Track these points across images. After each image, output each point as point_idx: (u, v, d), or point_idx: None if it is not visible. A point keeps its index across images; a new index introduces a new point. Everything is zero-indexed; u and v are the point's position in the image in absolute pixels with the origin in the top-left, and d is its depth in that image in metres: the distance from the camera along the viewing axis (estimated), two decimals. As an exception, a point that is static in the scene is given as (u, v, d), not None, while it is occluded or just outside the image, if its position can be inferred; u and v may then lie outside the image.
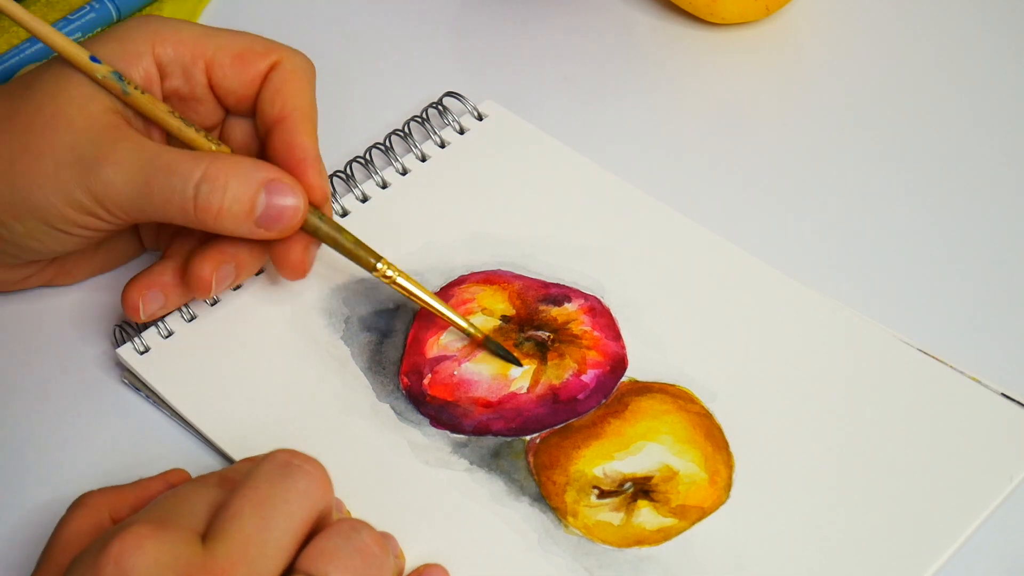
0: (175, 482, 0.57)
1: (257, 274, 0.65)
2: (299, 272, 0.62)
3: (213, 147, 0.61)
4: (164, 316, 0.64)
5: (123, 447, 0.61)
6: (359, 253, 0.62)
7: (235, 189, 0.59)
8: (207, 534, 0.49)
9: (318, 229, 0.61)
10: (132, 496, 0.55)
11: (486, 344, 0.62)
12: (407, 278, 0.62)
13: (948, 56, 0.76)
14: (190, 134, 0.61)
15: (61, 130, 0.59)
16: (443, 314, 0.62)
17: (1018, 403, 0.60)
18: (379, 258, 0.62)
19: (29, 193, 0.59)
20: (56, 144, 0.59)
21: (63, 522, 0.54)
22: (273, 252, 0.62)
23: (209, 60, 0.63)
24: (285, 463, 0.51)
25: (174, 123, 0.61)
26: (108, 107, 0.60)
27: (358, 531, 0.51)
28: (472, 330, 0.62)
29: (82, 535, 0.53)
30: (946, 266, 0.66)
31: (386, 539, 0.55)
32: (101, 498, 0.55)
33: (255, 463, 0.52)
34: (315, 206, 0.61)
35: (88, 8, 0.76)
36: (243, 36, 0.63)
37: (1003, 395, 0.60)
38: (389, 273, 0.62)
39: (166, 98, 0.63)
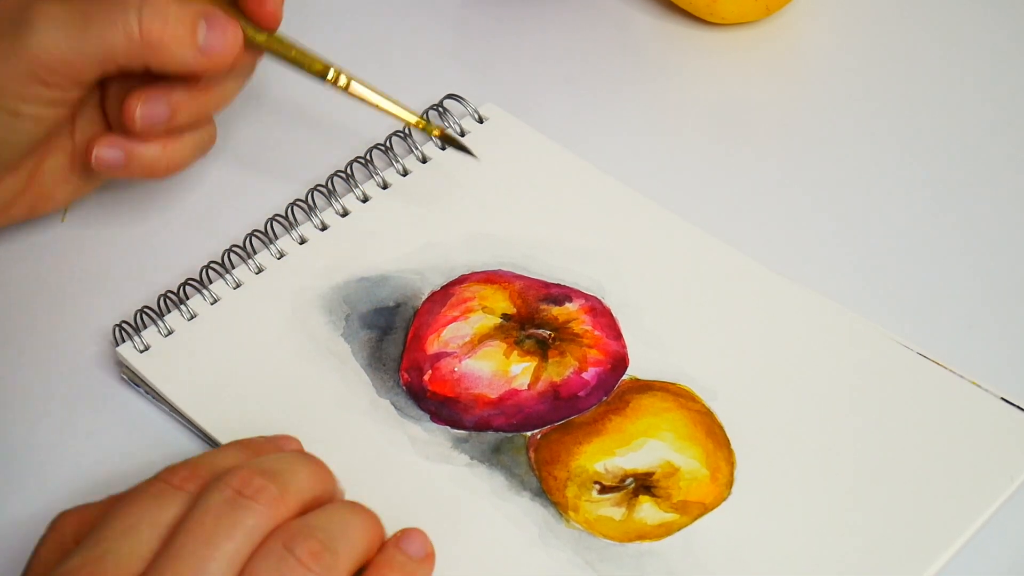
0: None
1: (257, 274, 0.65)
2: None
3: None
4: (161, 316, 0.64)
5: (122, 445, 0.61)
6: (311, 64, 0.64)
7: (177, 12, 0.59)
8: (146, 572, 0.48)
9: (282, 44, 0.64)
10: (101, 514, 0.53)
11: (444, 140, 0.66)
12: (359, 81, 0.65)
13: (948, 56, 0.76)
14: None
15: None
16: (394, 113, 0.65)
17: (1018, 407, 0.60)
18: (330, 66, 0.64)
19: None
20: None
21: (38, 544, 0.52)
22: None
23: None
24: (235, 494, 0.49)
25: None
26: None
27: (291, 549, 0.48)
28: (424, 123, 0.65)
29: (49, 563, 0.51)
30: (946, 269, 0.66)
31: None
32: (71, 517, 0.52)
33: (218, 475, 0.50)
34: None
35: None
36: None
37: (1003, 399, 0.60)
38: (342, 80, 0.64)
39: None
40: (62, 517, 0.53)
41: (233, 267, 0.66)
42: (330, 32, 0.78)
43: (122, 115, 0.61)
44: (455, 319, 0.63)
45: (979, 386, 0.60)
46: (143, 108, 0.61)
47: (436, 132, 0.64)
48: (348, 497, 0.57)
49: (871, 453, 0.58)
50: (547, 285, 0.65)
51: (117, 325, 0.63)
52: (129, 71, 0.61)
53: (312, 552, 0.48)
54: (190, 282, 0.65)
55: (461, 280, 0.65)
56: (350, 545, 0.50)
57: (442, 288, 0.65)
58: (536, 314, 0.64)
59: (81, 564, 0.48)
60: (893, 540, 0.56)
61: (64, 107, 0.61)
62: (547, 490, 0.58)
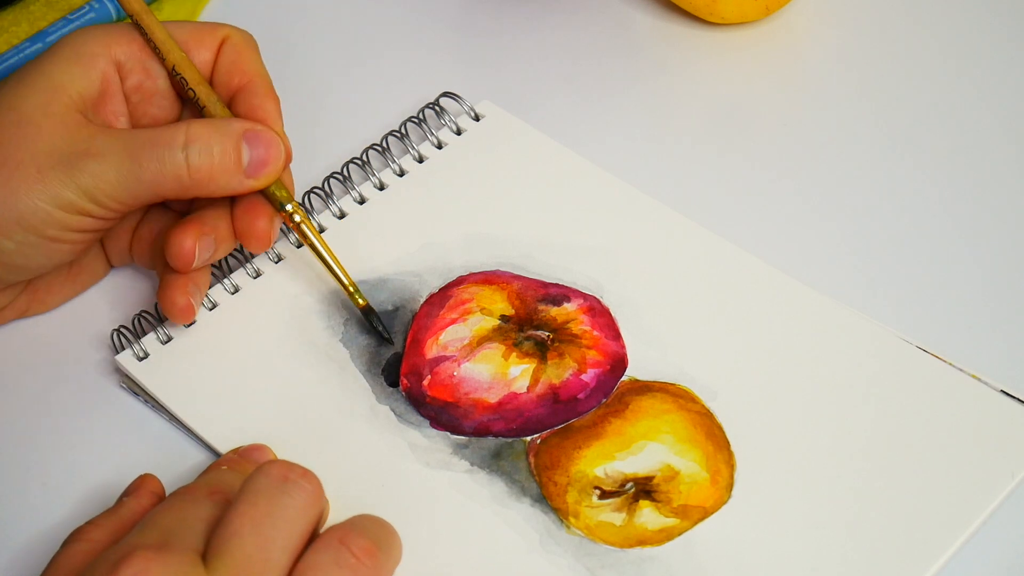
0: (155, 490, 0.57)
1: (255, 278, 0.65)
2: (266, 242, 0.63)
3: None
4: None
5: (122, 452, 0.61)
6: (276, 192, 0.63)
7: (221, 144, 0.60)
8: (208, 553, 0.50)
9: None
10: (119, 519, 0.55)
11: (365, 314, 0.63)
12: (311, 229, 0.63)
13: (948, 54, 0.76)
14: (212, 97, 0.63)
15: (32, 136, 0.59)
16: (335, 273, 0.63)
17: (1018, 400, 0.60)
18: (290, 200, 0.63)
19: (15, 204, 0.59)
20: (32, 151, 0.59)
21: (57, 556, 0.54)
22: (240, 226, 0.62)
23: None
24: (282, 478, 0.52)
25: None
26: (68, 106, 0.61)
27: (347, 544, 0.51)
28: (357, 297, 0.63)
29: (76, 567, 0.53)
30: (945, 263, 0.66)
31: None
32: (94, 530, 0.54)
33: (247, 476, 0.52)
34: None
35: (87, 8, 0.76)
36: (186, 23, 0.65)
37: (1003, 392, 0.60)
38: (296, 218, 0.63)
39: (128, 96, 0.64)
40: (82, 530, 0.54)
41: (231, 271, 0.66)
42: (327, 30, 0.78)
43: (175, 251, 0.61)
44: (453, 321, 0.63)
45: (979, 379, 0.60)
46: (200, 246, 0.61)
47: (363, 303, 0.63)
48: (348, 506, 0.57)
49: (872, 450, 0.58)
50: (545, 285, 0.65)
51: (116, 330, 0.63)
52: (175, 200, 0.63)
53: (365, 549, 0.51)
54: (188, 286, 0.65)
55: (459, 281, 0.65)
56: (393, 551, 0.53)
57: (440, 290, 0.64)
58: (535, 315, 0.63)
59: (144, 542, 0.50)
60: (895, 540, 0.56)
61: (100, 233, 0.62)
62: (547, 496, 0.58)
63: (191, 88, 0.63)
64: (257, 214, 0.62)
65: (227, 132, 0.61)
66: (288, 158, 0.63)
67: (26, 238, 0.59)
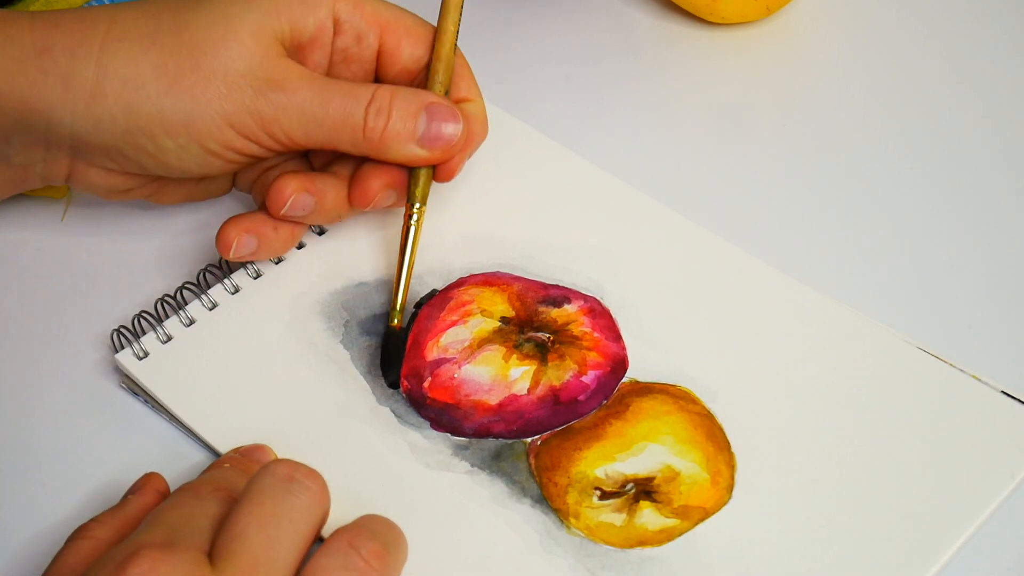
0: (160, 488, 0.57)
1: (255, 278, 0.65)
2: (368, 202, 0.63)
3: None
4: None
5: (122, 452, 0.61)
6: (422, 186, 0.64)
7: (399, 110, 0.61)
8: (214, 553, 0.50)
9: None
10: (124, 517, 0.55)
11: (386, 334, 0.63)
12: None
13: (949, 55, 0.76)
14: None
15: (234, 53, 0.60)
16: (399, 286, 0.63)
17: (1018, 400, 0.60)
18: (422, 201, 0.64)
19: (193, 111, 0.59)
20: (229, 66, 0.60)
21: (61, 554, 0.54)
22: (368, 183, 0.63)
23: (384, 26, 0.64)
24: (288, 478, 0.52)
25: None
26: (277, 35, 0.61)
27: (356, 548, 0.51)
28: (396, 315, 0.63)
29: (81, 564, 0.53)
30: (946, 264, 0.66)
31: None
32: (98, 527, 0.54)
33: (252, 475, 0.52)
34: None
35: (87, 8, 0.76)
36: (411, 14, 0.65)
37: (1003, 393, 0.60)
38: (414, 218, 0.63)
39: (333, 54, 0.64)
40: (86, 527, 0.54)
41: (231, 271, 0.65)
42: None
43: (360, 189, 0.63)
44: (454, 323, 0.63)
45: (980, 380, 0.60)
46: (382, 195, 0.63)
47: (396, 323, 0.63)
48: (348, 507, 0.57)
49: (872, 451, 0.58)
50: (546, 286, 0.65)
51: (115, 330, 0.63)
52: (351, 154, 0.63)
53: (374, 552, 0.51)
54: (187, 286, 0.65)
55: (460, 283, 0.65)
56: (401, 552, 0.53)
57: (441, 292, 0.64)
58: (535, 316, 0.63)
59: (150, 541, 0.50)
60: (895, 540, 0.56)
61: (254, 161, 0.63)
62: (548, 497, 0.58)
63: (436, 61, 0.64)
64: (384, 180, 0.63)
65: (411, 100, 0.61)
66: (470, 140, 0.63)
67: (187, 144, 0.60)
